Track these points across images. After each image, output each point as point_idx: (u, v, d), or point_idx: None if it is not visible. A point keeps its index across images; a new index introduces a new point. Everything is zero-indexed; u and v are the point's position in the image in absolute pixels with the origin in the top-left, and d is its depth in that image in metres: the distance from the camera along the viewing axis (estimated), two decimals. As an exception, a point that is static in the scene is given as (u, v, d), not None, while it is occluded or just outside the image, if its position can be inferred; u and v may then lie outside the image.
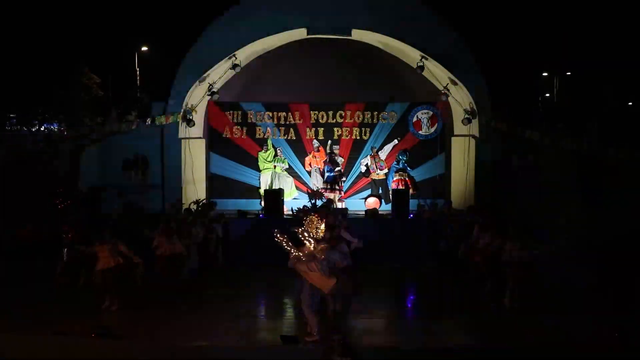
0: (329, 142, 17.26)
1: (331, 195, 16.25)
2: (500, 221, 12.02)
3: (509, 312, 9.96)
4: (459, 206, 15.48)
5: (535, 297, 10.14)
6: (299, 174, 17.31)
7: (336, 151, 17.08)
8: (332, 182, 16.39)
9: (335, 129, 17.30)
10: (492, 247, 10.80)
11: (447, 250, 13.10)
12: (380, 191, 17.02)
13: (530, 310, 9.86)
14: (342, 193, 16.50)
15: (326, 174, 16.50)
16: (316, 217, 8.68)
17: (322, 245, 8.40)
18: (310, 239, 8.41)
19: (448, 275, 12.52)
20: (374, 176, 17.17)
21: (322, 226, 8.57)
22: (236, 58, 15.89)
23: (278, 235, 8.24)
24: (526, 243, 10.16)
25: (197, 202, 14.47)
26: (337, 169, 16.43)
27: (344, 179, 16.68)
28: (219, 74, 16.17)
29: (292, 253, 8.21)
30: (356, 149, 17.20)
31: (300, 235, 8.48)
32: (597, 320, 9.09)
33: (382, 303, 10.81)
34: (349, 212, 16.02)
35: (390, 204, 16.04)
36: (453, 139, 17.02)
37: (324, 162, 16.72)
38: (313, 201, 15.62)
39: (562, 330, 8.84)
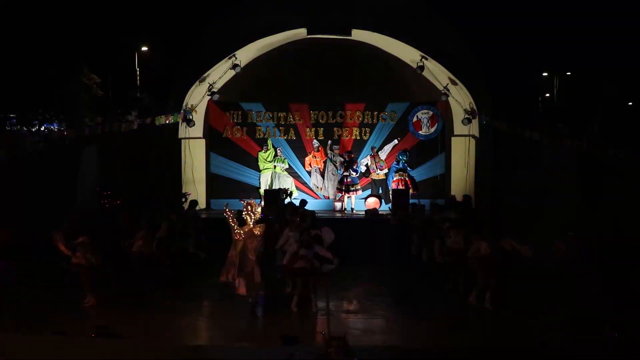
0: (329, 142, 17.27)
1: (338, 195, 16.45)
2: (473, 220, 12.05)
3: (489, 312, 9.99)
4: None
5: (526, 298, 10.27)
6: (299, 174, 17.31)
7: (336, 151, 17.07)
8: (340, 182, 16.45)
9: (335, 129, 17.29)
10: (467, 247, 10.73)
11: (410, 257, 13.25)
12: (380, 191, 17.02)
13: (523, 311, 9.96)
14: (349, 193, 16.42)
15: (339, 175, 16.60)
16: (253, 202, 10.26)
17: (259, 227, 10.04)
18: (251, 220, 10.06)
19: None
20: (374, 176, 17.17)
21: (259, 209, 10.26)
22: (236, 58, 15.89)
23: (227, 211, 9.85)
24: (497, 243, 10.10)
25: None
26: (352, 169, 16.37)
27: (349, 180, 16.58)
28: (219, 74, 16.16)
29: (235, 229, 9.84)
30: (356, 149, 17.19)
31: (244, 216, 10.06)
32: (593, 320, 9.13)
33: (376, 302, 10.84)
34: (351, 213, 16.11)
35: (390, 204, 16.04)
36: (453, 139, 17.02)
37: (340, 163, 16.67)
38: (283, 197, 15.65)
39: (555, 331, 8.91)
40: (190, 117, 15.97)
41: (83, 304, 10.19)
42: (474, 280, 10.50)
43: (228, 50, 15.68)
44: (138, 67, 31.38)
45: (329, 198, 17.18)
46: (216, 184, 17.14)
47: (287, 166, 17.18)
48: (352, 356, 6.46)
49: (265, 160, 17.17)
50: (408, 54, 16.45)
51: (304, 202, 13.74)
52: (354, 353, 6.50)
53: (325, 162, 17.30)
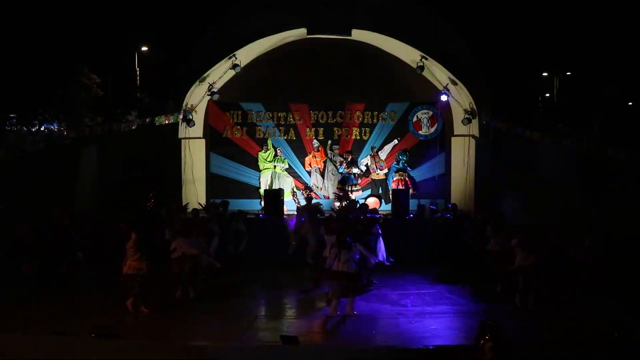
0: (329, 142, 17.27)
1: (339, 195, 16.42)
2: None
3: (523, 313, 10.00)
4: (459, 206, 15.44)
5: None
6: (299, 174, 17.31)
7: (336, 151, 17.07)
8: (341, 182, 16.44)
9: (335, 129, 17.29)
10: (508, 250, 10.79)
11: (470, 245, 13.04)
12: (380, 191, 17.02)
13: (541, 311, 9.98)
14: (349, 194, 16.42)
15: (340, 175, 16.58)
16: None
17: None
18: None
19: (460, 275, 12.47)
20: (374, 176, 17.17)
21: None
22: (236, 58, 15.88)
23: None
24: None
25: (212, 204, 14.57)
26: (354, 170, 16.38)
27: (357, 180, 16.57)
28: (219, 74, 16.16)
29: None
30: (356, 149, 17.19)
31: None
32: (596, 320, 9.13)
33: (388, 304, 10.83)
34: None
35: (390, 204, 16.04)
36: (453, 139, 17.02)
37: (340, 163, 16.65)
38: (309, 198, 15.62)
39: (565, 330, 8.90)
40: (190, 117, 15.96)
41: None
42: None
43: (228, 50, 15.67)
44: (138, 67, 31.35)
45: (329, 198, 17.17)
46: (216, 184, 17.13)
47: (287, 166, 17.18)
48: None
49: (265, 160, 17.16)
50: (408, 54, 16.45)
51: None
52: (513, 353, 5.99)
53: (325, 162, 17.30)
